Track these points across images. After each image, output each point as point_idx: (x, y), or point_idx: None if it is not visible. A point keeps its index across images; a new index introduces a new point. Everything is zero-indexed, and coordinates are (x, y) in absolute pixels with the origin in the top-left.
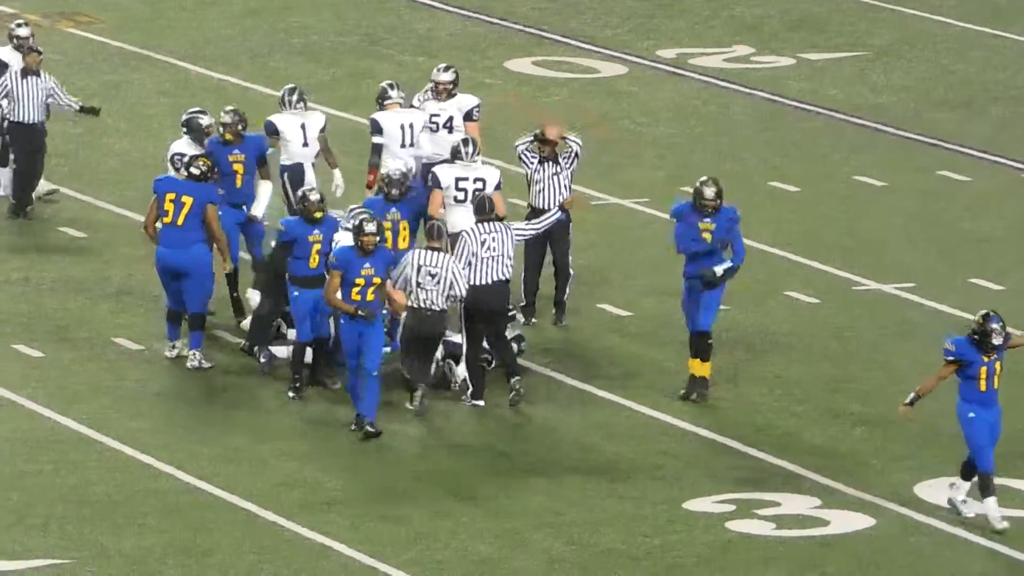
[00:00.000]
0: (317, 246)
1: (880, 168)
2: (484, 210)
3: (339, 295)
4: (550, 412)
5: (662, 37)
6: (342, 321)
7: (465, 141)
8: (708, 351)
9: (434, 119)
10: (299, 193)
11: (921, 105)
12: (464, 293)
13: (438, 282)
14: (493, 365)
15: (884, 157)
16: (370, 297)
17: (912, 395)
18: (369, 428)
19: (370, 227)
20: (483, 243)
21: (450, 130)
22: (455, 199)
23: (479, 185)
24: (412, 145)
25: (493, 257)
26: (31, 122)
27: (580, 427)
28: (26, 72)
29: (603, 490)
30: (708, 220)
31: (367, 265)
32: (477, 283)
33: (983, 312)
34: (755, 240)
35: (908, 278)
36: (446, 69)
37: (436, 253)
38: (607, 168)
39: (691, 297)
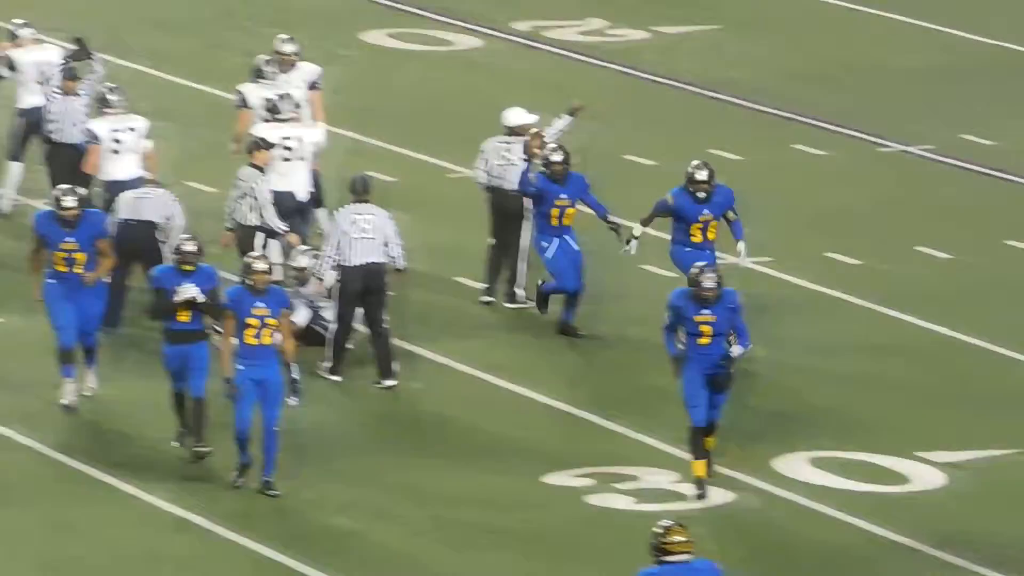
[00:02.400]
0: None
1: (735, 142)
2: (357, 190)
3: (232, 342)
4: (412, 386)
5: (517, 9)
6: (164, 348)
7: (281, 96)
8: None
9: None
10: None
11: (776, 79)
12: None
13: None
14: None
15: (739, 131)
16: (266, 340)
17: None
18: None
19: (259, 265)
20: (352, 222)
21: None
22: (282, 158)
23: (295, 143)
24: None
25: (365, 238)
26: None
27: (441, 401)
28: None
29: (464, 464)
30: (707, 312)
31: (259, 304)
32: (350, 263)
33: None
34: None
35: (765, 252)
36: (288, 40)
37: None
38: (462, 141)
39: (693, 389)
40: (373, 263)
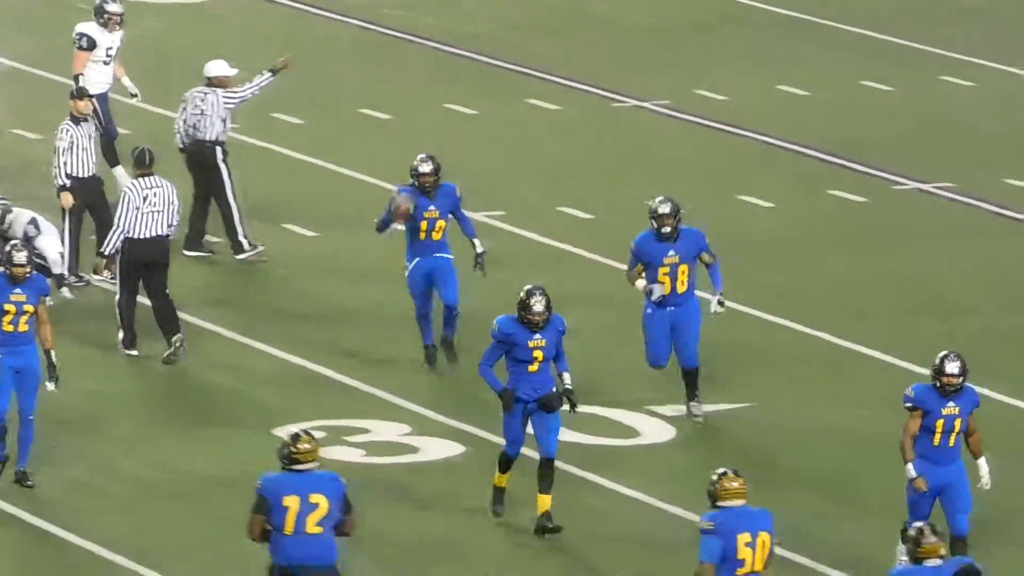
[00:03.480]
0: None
1: (472, 96)
2: (145, 163)
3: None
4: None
5: None
6: None
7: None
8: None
9: (108, 52)
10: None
11: (513, 34)
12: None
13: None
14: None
15: (476, 85)
16: (23, 327)
17: (911, 466)
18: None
19: (19, 258)
20: (145, 198)
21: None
22: None
23: None
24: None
25: (154, 212)
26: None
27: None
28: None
29: (196, 416)
30: (539, 336)
31: (17, 291)
32: (137, 236)
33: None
34: (347, 168)
35: (499, 207)
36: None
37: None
38: None
39: (512, 424)
40: (159, 236)
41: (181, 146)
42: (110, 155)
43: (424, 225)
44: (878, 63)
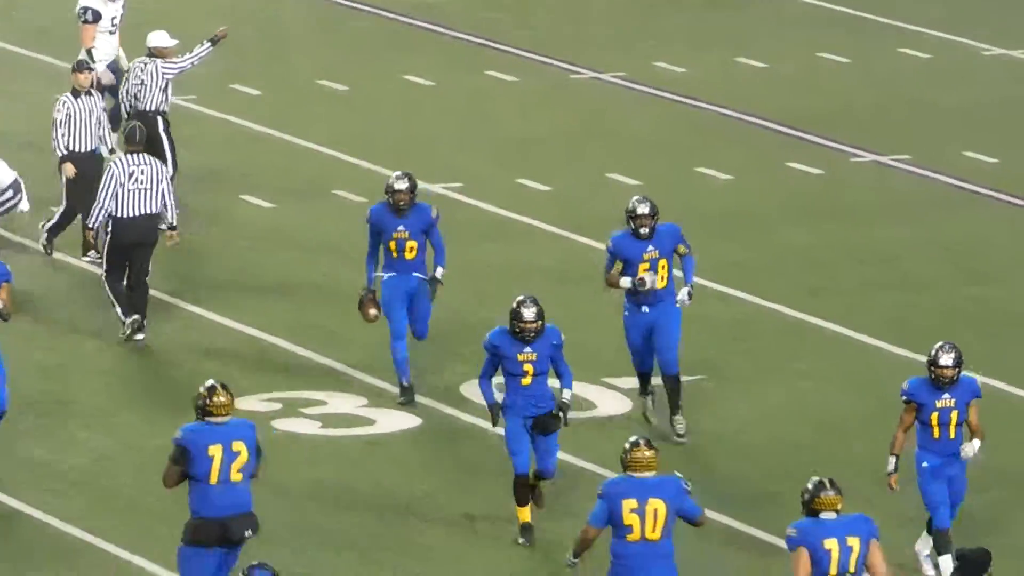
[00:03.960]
0: None
1: (430, 68)
2: (135, 140)
3: None
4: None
5: None
6: None
7: None
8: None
9: (113, 21)
10: None
11: (471, 5)
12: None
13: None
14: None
15: (434, 57)
16: None
17: (892, 460)
18: None
19: None
20: (131, 175)
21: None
22: None
23: None
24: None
25: (140, 190)
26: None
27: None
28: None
29: (153, 390)
30: (529, 350)
31: None
32: (122, 216)
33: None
34: (305, 139)
35: (457, 178)
36: None
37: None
38: None
39: (515, 435)
40: (145, 215)
41: (126, 116)
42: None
43: (394, 245)
44: (835, 36)
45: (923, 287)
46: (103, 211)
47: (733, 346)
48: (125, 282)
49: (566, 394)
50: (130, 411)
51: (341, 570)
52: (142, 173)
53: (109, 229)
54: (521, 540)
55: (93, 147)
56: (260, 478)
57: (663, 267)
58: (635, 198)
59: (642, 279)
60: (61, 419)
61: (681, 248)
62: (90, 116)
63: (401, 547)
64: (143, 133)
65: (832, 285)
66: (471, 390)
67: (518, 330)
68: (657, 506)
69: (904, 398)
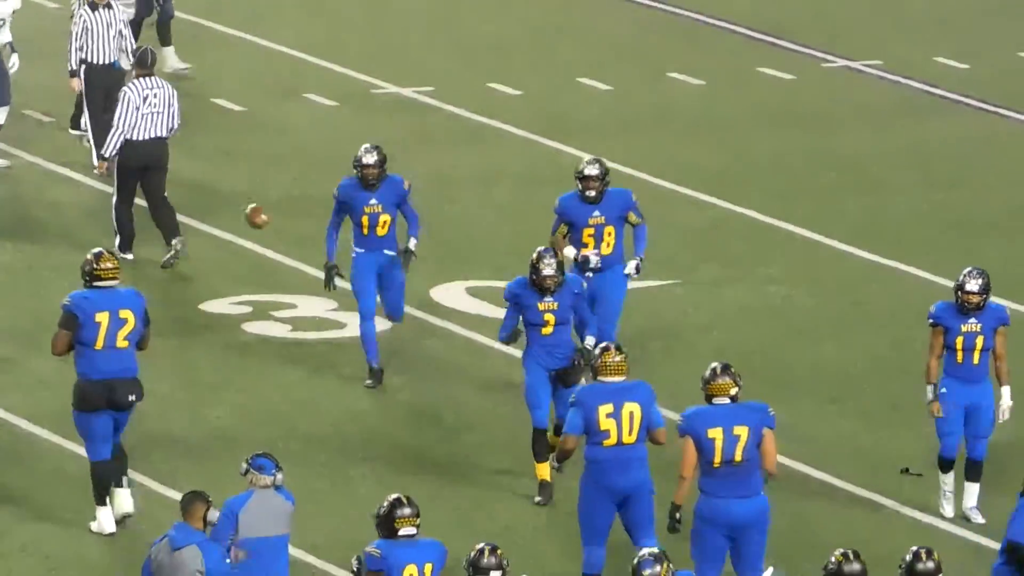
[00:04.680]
0: None
1: None
2: (146, 63)
3: None
4: None
5: None
6: None
7: None
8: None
9: None
10: None
11: None
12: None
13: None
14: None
15: None
16: None
17: (930, 389)
18: None
19: None
20: (145, 99)
21: None
22: None
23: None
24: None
25: (153, 113)
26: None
27: None
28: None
29: None
30: (550, 299)
31: None
32: (135, 138)
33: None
34: (274, 42)
35: (427, 82)
36: None
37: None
38: None
39: (534, 388)
40: (157, 137)
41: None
42: (163, 33)
43: (366, 220)
44: None
45: (892, 192)
46: (120, 136)
47: (703, 251)
48: (148, 206)
49: (589, 340)
50: None
51: (314, 473)
52: (155, 96)
53: (121, 153)
54: (538, 499)
55: (112, 60)
56: (146, 350)
57: (609, 234)
58: (586, 159)
59: (586, 257)
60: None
61: (632, 217)
62: (107, 29)
63: (369, 446)
64: (154, 56)
65: (802, 190)
66: (440, 293)
67: (537, 283)
68: (632, 409)
69: (930, 322)
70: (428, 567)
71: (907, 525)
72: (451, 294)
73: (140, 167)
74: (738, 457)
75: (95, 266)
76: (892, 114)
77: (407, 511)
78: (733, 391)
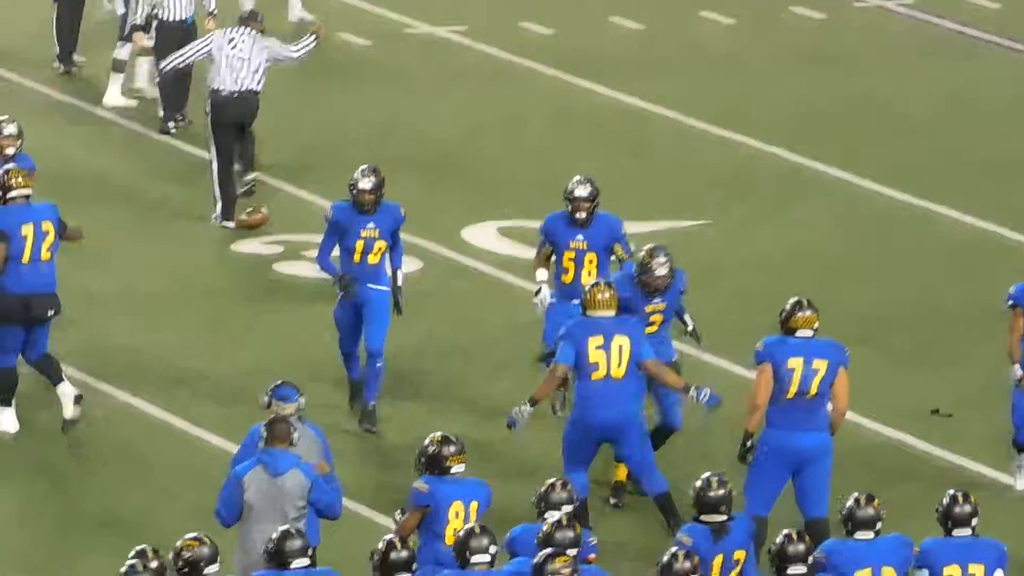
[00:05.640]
0: None
1: None
2: (253, 18)
3: None
4: None
5: None
6: None
7: None
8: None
9: None
10: None
11: None
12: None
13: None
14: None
15: None
16: None
17: (1016, 368)
18: None
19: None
20: (231, 41)
21: None
22: None
23: None
24: None
25: (241, 59)
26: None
27: None
28: None
29: (152, 230)
30: (658, 300)
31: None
32: (223, 89)
33: None
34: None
35: (459, 20)
36: None
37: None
38: None
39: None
40: (247, 90)
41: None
42: None
43: (360, 245)
44: None
45: (923, 132)
46: (182, 61)
47: (733, 191)
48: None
49: (688, 321)
50: (124, 247)
51: (343, 413)
52: (243, 42)
53: (209, 108)
54: (613, 500)
55: (184, 16)
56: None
57: (591, 262)
58: (576, 178)
59: (537, 301)
60: None
61: (619, 250)
62: None
63: (398, 388)
64: (261, 18)
65: (832, 130)
66: (470, 232)
67: (645, 283)
68: (622, 343)
69: (1010, 303)
70: (474, 505)
71: (935, 468)
72: (483, 234)
73: (232, 123)
74: (813, 391)
75: (5, 180)
76: (923, 54)
77: (454, 448)
78: (816, 325)
